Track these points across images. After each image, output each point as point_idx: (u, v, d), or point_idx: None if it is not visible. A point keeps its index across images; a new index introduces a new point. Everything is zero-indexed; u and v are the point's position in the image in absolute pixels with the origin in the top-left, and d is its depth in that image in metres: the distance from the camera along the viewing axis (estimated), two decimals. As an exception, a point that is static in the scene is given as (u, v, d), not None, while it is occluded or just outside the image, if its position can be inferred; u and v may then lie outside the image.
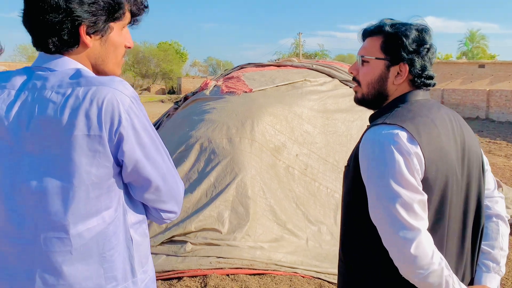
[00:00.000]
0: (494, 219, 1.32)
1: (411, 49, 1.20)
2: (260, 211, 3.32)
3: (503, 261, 1.28)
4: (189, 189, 3.29)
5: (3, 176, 1.02)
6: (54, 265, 1.01)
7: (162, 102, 32.47)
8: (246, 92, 4.14)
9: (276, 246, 3.19)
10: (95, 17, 1.03)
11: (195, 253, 2.93)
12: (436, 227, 1.15)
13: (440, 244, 1.15)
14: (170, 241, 3.07)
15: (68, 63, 1.04)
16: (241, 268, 2.84)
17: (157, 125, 5.00)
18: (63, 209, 0.99)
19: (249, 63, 5.49)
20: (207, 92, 4.36)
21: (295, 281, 2.83)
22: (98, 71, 1.11)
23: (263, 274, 2.86)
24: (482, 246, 1.29)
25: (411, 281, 1.10)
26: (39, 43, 1.05)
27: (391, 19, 1.28)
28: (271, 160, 3.68)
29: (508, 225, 1.34)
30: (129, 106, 1.00)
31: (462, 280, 1.21)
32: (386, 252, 1.12)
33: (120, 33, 1.12)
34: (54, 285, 1.01)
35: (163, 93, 52.13)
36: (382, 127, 1.15)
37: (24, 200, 1.01)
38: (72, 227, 1.00)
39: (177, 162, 3.50)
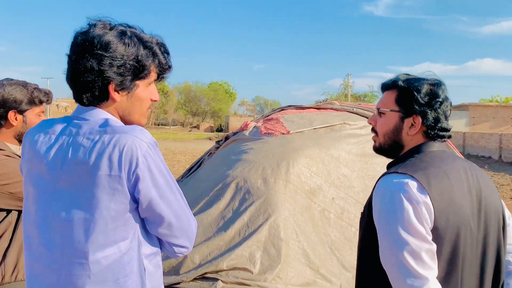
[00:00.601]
0: None
1: (423, 102, 1.27)
2: (292, 254, 3.31)
3: None
4: (223, 227, 3.37)
5: (39, 207, 1.20)
6: (80, 285, 1.15)
7: (210, 139, 33.47)
8: (283, 133, 4.24)
9: (307, 290, 3.14)
10: (122, 77, 1.20)
11: (225, 292, 2.96)
12: (448, 278, 1.15)
13: None
14: (203, 277, 3.12)
15: (99, 114, 1.22)
16: (269, 310, 2.82)
17: (199, 163, 5.20)
18: (84, 238, 1.14)
19: (289, 106, 5.63)
20: (246, 132, 4.52)
21: (323, 328, 2.76)
22: (125, 121, 1.28)
23: (291, 318, 2.81)
24: (503, 304, 1.25)
25: None
26: (76, 98, 1.24)
27: (407, 74, 1.37)
28: (305, 203, 3.69)
29: None
30: (146, 151, 1.15)
31: (480, 338, 1.18)
32: None
33: (146, 89, 1.29)
34: None
35: (212, 131, 53.74)
36: (393, 176, 1.21)
37: (54, 228, 1.17)
38: (91, 254, 1.14)
39: (214, 200, 3.61)
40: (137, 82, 1.25)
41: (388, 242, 1.15)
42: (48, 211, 1.18)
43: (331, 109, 5.37)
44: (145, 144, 1.16)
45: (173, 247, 1.28)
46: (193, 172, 5.08)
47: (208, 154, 5.24)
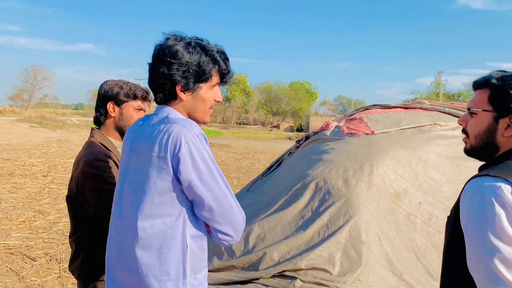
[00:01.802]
0: None
1: None
2: (374, 258, 3.19)
3: None
4: (302, 226, 3.37)
5: (119, 183, 1.51)
6: (130, 248, 1.38)
7: (290, 139, 33.60)
8: (367, 134, 4.10)
9: (390, 297, 3.01)
10: (187, 80, 1.44)
11: (303, 291, 2.96)
12: None
13: None
14: (281, 275, 3.16)
15: (167, 110, 1.47)
16: (348, 314, 2.76)
17: (279, 162, 5.25)
18: (136, 207, 1.37)
19: (374, 105, 5.43)
20: (327, 132, 4.45)
21: None
22: (191, 117, 1.51)
23: (371, 325, 2.72)
24: None
25: None
26: (154, 98, 1.51)
27: (503, 71, 1.27)
28: (389, 206, 3.54)
29: None
30: (190, 138, 1.33)
31: None
32: None
33: (209, 90, 1.50)
34: (129, 260, 1.38)
35: (292, 131, 53.87)
36: (485, 179, 1.14)
37: (124, 200, 1.44)
38: (140, 222, 1.35)
39: (293, 199, 3.63)
40: (200, 84, 1.47)
41: (477, 248, 1.07)
42: (123, 186, 1.45)
43: (420, 108, 5.06)
44: (189, 133, 1.34)
45: (218, 233, 1.40)
46: (273, 170, 5.15)
47: (288, 153, 5.27)
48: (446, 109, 4.87)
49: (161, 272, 1.34)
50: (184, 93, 1.46)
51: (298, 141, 5.28)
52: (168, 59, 1.41)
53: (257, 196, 4.34)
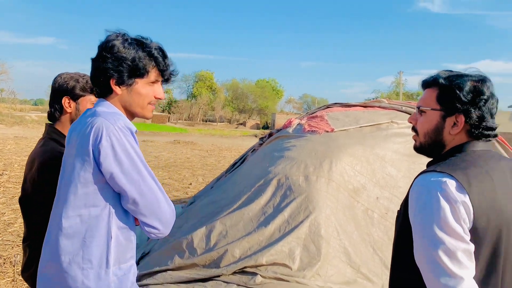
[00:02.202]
0: None
1: (465, 100, 1.21)
2: (332, 252, 3.28)
3: None
4: (264, 223, 3.40)
5: (60, 175, 1.54)
6: (55, 236, 1.43)
7: (256, 136, 33.69)
8: (327, 131, 4.20)
9: (347, 290, 3.11)
10: (121, 74, 1.48)
11: (264, 286, 2.99)
12: (487, 280, 1.11)
13: None
14: (242, 271, 3.18)
15: (101, 104, 1.51)
16: (307, 307, 2.82)
17: (243, 159, 5.27)
18: (63, 198, 1.43)
19: (335, 103, 5.55)
20: (290, 129, 4.52)
21: (362, 329, 2.71)
22: (129, 112, 1.55)
23: (329, 317, 2.79)
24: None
25: None
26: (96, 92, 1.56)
27: (450, 70, 1.32)
28: (348, 202, 3.64)
29: None
30: (112, 131, 1.37)
31: None
32: None
33: (146, 86, 1.53)
34: (52, 248, 1.43)
35: (258, 128, 54.04)
36: (431, 174, 1.18)
37: (60, 190, 1.49)
38: (64, 211, 1.41)
39: (255, 196, 3.66)
40: (136, 79, 1.51)
41: (423, 240, 1.12)
42: (61, 179, 1.51)
43: (379, 107, 5.23)
44: (111, 126, 1.38)
45: (144, 225, 1.44)
46: (236, 167, 5.16)
47: (251, 150, 5.30)
48: (403, 108, 5.05)
49: (84, 260, 1.38)
50: (119, 87, 1.50)
51: (261, 138, 5.32)
52: (104, 54, 1.47)
53: (220, 194, 4.33)
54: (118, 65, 1.47)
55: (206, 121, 65.07)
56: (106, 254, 1.40)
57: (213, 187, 5.00)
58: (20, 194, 2.00)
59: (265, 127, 55.35)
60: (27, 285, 3.91)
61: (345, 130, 4.25)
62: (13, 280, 4.02)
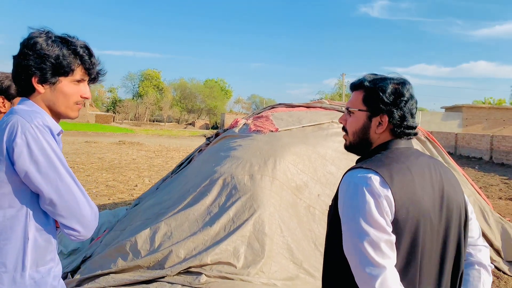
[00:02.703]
0: (476, 267, 1.35)
1: (388, 102, 1.31)
2: (276, 249, 3.36)
3: None
4: (209, 222, 3.42)
5: None
6: None
7: (205, 136, 33.45)
8: (272, 131, 4.29)
9: (290, 284, 3.20)
10: (43, 72, 1.43)
11: (209, 285, 3.01)
12: (407, 268, 1.21)
13: (411, 285, 1.20)
14: (187, 271, 3.17)
15: (24, 103, 1.45)
16: (251, 304, 2.88)
17: (189, 159, 5.24)
18: None
19: (280, 103, 5.68)
20: (236, 129, 4.57)
21: (303, 321, 2.82)
22: (53, 112, 1.50)
23: (272, 311, 2.87)
24: (462, 293, 1.31)
25: None
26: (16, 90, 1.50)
27: (374, 74, 1.41)
28: (291, 199, 3.75)
29: (491, 274, 1.35)
30: (28, 130, 1.33)
31: (439, 325, 1.24)
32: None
33: (71, 85, 1.49)
34: None
35: (207, 128, 53.65)
36: (358, 171, 1.26)
37: None
38: None
39: (201, 196, 3.66)
40: (60, 78, 1.46)
41: (350, 232, 1.20)
42: None
43: (321, 107, 5.43)
44: (27, 123, 1.33)
45: (64, 228, 1.40)
46: (183, 168, 5.12)
47: (198, 150, 5.28)
48: (343, 108, 5.29)
49: None
50: (42, 86, 1.46)
51: (208, 139, 5.32)
52: (26, 51, 1.43)
53: (166, 195, 4.28)
54: (40, 62, 1.43)
55: (153, 121, 63.47)
56: (22, 256, 1.36)
57: (158, 188, 4.92)
58: None
59: (214, 127, 55.09)
60: None
61: (288, 129, 4.37)
62: None
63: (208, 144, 5.14)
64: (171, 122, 62.75)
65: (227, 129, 5.09)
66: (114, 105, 63.91)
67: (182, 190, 4.04)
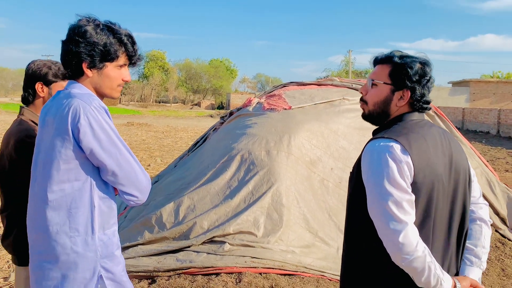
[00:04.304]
0: (478, 222, 1.53)
1: (414, 79, 1.45)
2: (293, 219, 3.58)
3: (484, 257, 1.49)
4: (229, 195, 3.64)
5: (35, 153, 1.64)
6: (41, 210, 1.55)
7: (211, 116, 33.58)
8: (285, 109, 4.46)
9: (307, 251, 3.44)
10: (92, 58, 1.58)
11: (232, 252, 3.25)
12: (423, 223, 1.39)
13: (426, 238, 1.39)
14: (211, 241, 3.41)
15: (74, 86, 1.61)
16: (272, 268, 3.12)
17: (204, 138, 5.44)
18: (46, 174, 1.54)
19: (291, 82, 5.82)
20: (250, 108, 4.73)
21: (321, 282, 3.06)
22: (99, 93, 1.66)
23: (292, 274, 3.11)
24: (466, 244, 1.51)
25: (399, 266, 1.34)
26: (65, 74, 1.67)
27: (400, 51, 1.54)
28: (306, 173, 3.95)
29: (490, 228, 1.55)
30: (89, 111, 1.49)
31: (448, 272, 1.43)
32: (381, 243, 1.38)
33: (115, 69, 1.64)
34: (38, 221, 1.55)
35: (213, 108, 53.70)
36: (380, 140, 1.42)
37: (38, 168, 1.59)
38: (49, 186, 1.53)
39: (220, 171, 3.87)
40: (106, 63, 1.61)
41: (375, 194, 1.36)
42: (37, 156, 1.60)
43: (331, 85, 5.56)
44: (88, 106, 1.50)
45: (124, 194, 1.59)
46: (199, 146, 5.32)
47: (213, 129, 5.47)
48: (353, 85, 5.41)
49: (71, 229, 1.52)
50: (90, 70, 1.60)
51: (222, 117, 5.49)
52: (77, 38, 1.55)
53: (185, 171, 4.50)
54: (90, 49, 1.55)
55: (159, 102, 63.59)
56: (91, 222, 1.54)
57: (177, 166, 5.14)
58: None
59: (220, 107, 55.09)
60: (7, 259, 3.92)
61: (301, 107, 4.53)
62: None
63: (222, 123, 5.32)
64: (177, 102, 62.81)
65: (241, 108, 5.25)
66: (120, 87, 63.81)
67: (201, 166, 4.25)
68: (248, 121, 4.41)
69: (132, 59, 1.69)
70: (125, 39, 1.63)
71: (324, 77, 6.76)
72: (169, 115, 36.46)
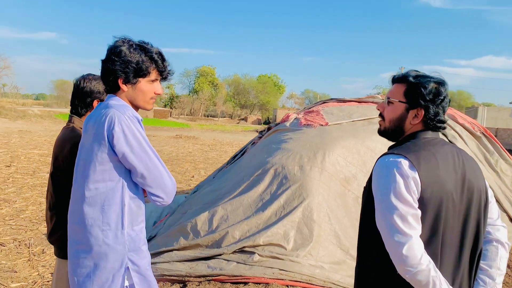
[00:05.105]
0: (495, 243, 1.51)
1: (428, 98, 1.49)
2: (324, 235, 3.59)
3: (499, 279, 1.46)
4: (261, 208, 3.72)
5: (78, 156, 1.84)
6: (79, 205, 1.74)
7: (257, 131, 33.99)
8: (322, 125, 4.50)
9: (337, 268, 3.42)
10: (127, 74, 1.77)
11: (261, 263, 3.31)
12: (431, 239, 1.41)
13: (434, 254, 1.40)
14: (241, 251, 3.50)
15: (112, 99, 1.80)
16: (300, 281, 3.14)
17: (243, 151, 5.59)
18: (85, 174, 1.74)
19: (331, 99, 5.85)
20: (287, 123, 4.82)
21: (347, 300, 3.03)
22: (133, 105, 1.85)
23: (319, 290, 3.11)
24: (480, 264, 1.49)
25: (404, 278, 1.37)
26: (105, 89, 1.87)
27: (416, 70, 1.59)
28: (340, 189, 3.95)
29: (507, 251, 1.51)
30: (123, 120, 1.68)
31: (459, 291, 1.43)
32: (388, 255, 1.41)
33: (148, 84, 1.83)
34: (77, 214, 1.74)
35: (259, 123, 54.29)
36: (390, 156, 1.47)
37: (79, 168, 1.80)
38: (86, 185, 1.72)
39: (254, 184, 3.97)
40: (139, 78, 1.80)
41: (382, 207, 1.41)
42: (79, 159, 1.82)
43: (372, 102, 5.53)
44: (122, 115, 1.69)
45: (151, 195, 1.75)
46: (237, 159, 5.47)
47: (251, 143, 5.61)
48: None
49: (104, 224, 1.70)
50: (126, 85, 1.79)
51: (260, 132, 5.63)
52: (113, 57, 1.75)
53: (222, 182, 4.66)
54: (125, 67, 1.75)
55: (207, 116, 65.40)
56: (121, 218, 1.71)
57: (215, 177, 5.32)
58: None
59: (267, 122, 55.54)
60: (41, 263, 4.26)
61: (338, 124, 4.55)
62: (29, 260, 4.34)
63: (260, 137, 5.45)
64: (225, 117, 64.19)
65: (279, 123, 5.36)
66: (171, 101, 66.64)
67: (236, 178, 4.38)
68: (284, 136, 4.50)
69: (163, 74, 1.87)
70: (155, 56, 1.81)
71: (374, 94, 6.71)
72: (216, 129, 37.33)
